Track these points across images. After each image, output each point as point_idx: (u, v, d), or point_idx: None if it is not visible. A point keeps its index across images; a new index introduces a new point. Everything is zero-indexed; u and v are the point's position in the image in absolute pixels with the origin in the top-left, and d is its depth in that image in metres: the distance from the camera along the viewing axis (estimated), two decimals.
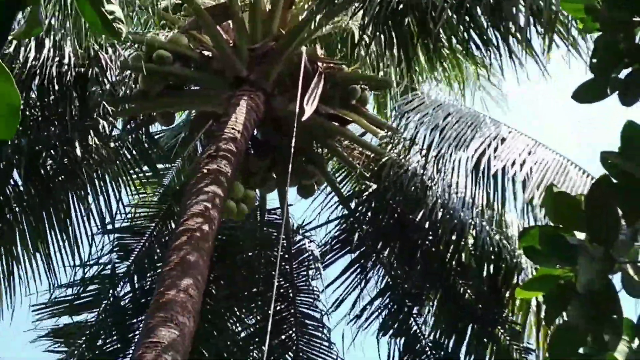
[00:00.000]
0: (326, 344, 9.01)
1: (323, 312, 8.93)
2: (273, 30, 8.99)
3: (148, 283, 9.59)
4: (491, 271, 7.79)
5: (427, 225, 8.16)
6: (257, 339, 9.40)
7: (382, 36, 7.98)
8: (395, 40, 7.84)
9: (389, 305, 8.50)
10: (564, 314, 2.61)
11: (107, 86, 8.43)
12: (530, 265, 7.77)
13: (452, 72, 8.47)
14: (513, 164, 7.45)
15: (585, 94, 2.84)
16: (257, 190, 9.43)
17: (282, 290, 9.45)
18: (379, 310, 8.47)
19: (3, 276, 8.68)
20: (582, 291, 2.48)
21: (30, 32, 2.29)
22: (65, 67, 8.15)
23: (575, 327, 2.56)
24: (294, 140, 7.54)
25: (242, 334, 9.51)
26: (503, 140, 7.79)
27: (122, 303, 9.59)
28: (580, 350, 2.51)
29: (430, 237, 8.26)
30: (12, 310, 8.70)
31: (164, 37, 9.36)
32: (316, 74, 8.64)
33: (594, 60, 2.79)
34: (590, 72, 2.81)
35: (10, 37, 2.27)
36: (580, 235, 2.63)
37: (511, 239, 7.96)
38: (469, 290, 8.29)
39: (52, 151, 8.66)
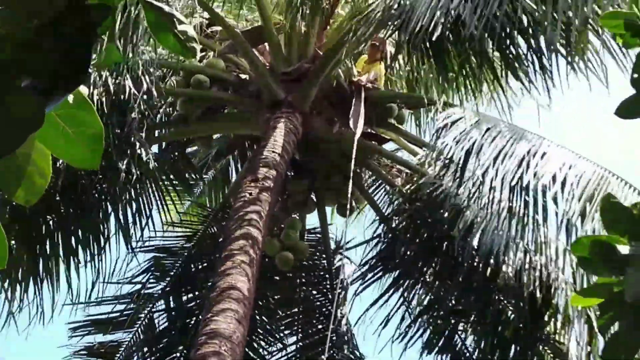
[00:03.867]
0: None
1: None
2: (309, 52, 9.05)
3: (185, 304, 9.65)
4: (531, 288, 7.72)
5: (465, 243, 8.13)
6: (298, 357, 9.41)
7: (416, 56, 7.99)
8: (430, 60, 7.83)
9: (433, 323, 8.49)
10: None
11: (146, 111, 8.59)
12: (571, 283, 7.75)
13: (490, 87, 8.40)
14: (553, 179, 7.42)
15: (629, 109, 2.85)
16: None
17: (324, 310, 9.48)
18: (423, 328, 8.47)
19: (37, 288, 8.81)
20: (630, 300, 2.50)
21: (110, 62, 2.35)
22: (105, 92, 8.32)
23: (625, 336, 2.58)
24: (353, 160, 7.61)
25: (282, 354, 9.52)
26: (543, 155, 7.76)
27: (158, 323, 9.62)
28: None
29: (470, 255, 8.24)
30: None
31: (199, 61, 9.50)
32: (354, 92, 8.70)
33: (635, 76, 2.79)
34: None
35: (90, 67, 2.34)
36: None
37: (550, 256, 7.92)
38: (510, 307, 8.25)
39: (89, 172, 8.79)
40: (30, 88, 1.73)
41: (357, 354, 9.38)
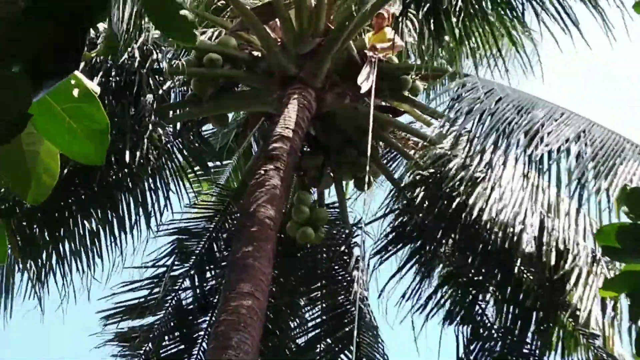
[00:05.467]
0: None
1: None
2: (320, 27, 9.00)
3: (210, 283, 9.71)
4: (552, 258, 7.66)
5: (483, 213, 8.10)
6: (321, 330, 9.44)
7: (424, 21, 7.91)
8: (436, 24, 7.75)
9: (453, 294, 8.49)
10: None
11: (160, 92, 8.61)
12: (591, 249, 7.69)
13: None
14: (568, 144, 7.29)
15: None
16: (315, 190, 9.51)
17: (344, 283, 9.50)
18: (444, 299, 8.47)
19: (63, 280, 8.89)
20: None
21: (109, 50, 2.32)
22: (119, 73, 8.34)
23: None
24: (370, 132, 7.59)
25: (306, 327, 9.55)
26: (555, 121, 7.65)
27: (184, 304, 9.69)
28: None
29: (488, 225, 8.21)
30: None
31: (207, 37, 9.49)
32: (366, 63, 8.67)
33: None
34: None
35: (93, 55, 2.34)
36: None
37: (569, 223, 7.83)
38: (531, 276, 8.23)
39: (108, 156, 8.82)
40: (20, 72, 1.65)
41: (376, 325, 9.39)
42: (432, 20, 7.57)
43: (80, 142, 1.95)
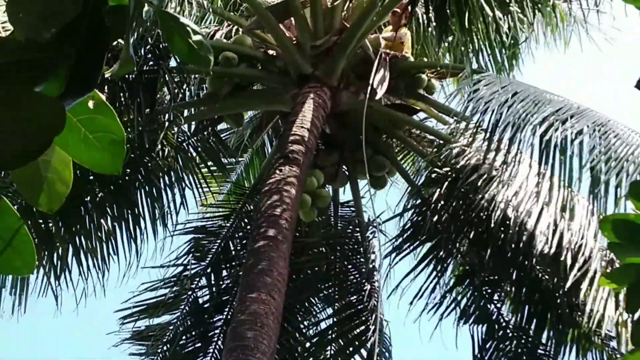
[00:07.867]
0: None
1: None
2: (335, 25, 9.00)
3: (226, 282, 9.73)
4: (566, 257, 7.59)
5: (498, 211, 8.06)
6: (334, 331, 9.41)
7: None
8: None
9: (468, 293, 8.48)
10: None
11: (176, 90, 8.63)
12: (604, 253, 7.63)
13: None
14: (580, 137, 7.18)
15: None
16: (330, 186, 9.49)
17: (356, 283, 9.48)
18: (458, 299, 8.46)
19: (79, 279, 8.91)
20: None
21: (124, 70, 2.35)
22: (135, 71, 8.37)
23: None
24: (364, 129, 7.56)
25: (319, 327, 9.54)
26: (571, 117, 7.57)
27: (201, 302, 9.70)
28: None
29: (503, 223, 8.18)
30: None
31: (223, 34, 9.51)
32: (378, 60, 8.66)
33: None
34: None
35: (107, 75, 2.37)
36: None
37: (582, 222, 7.76)
38: (546, 276, 8.20)
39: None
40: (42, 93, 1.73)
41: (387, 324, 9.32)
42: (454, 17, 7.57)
43: (96, 153, 1.98)
